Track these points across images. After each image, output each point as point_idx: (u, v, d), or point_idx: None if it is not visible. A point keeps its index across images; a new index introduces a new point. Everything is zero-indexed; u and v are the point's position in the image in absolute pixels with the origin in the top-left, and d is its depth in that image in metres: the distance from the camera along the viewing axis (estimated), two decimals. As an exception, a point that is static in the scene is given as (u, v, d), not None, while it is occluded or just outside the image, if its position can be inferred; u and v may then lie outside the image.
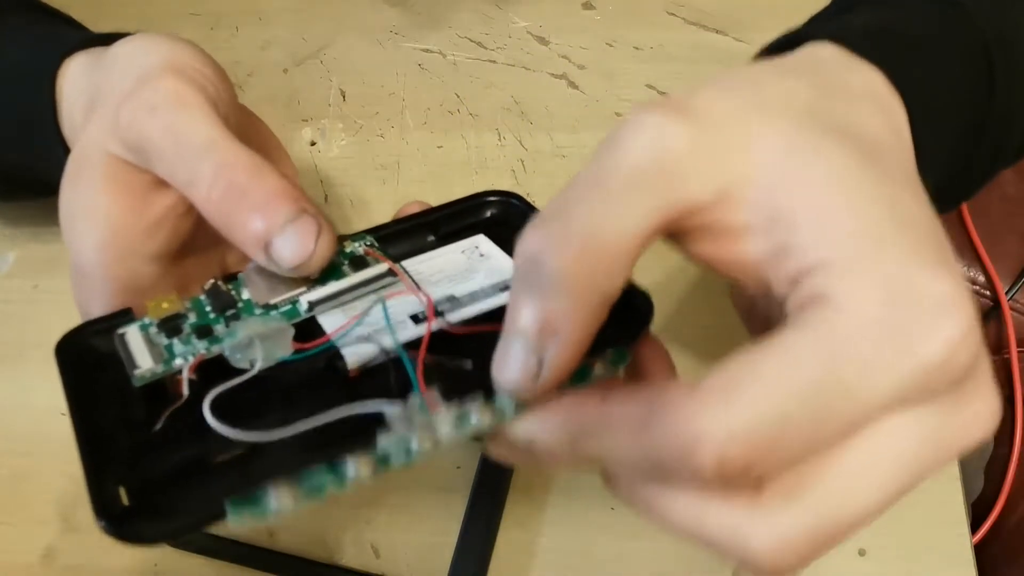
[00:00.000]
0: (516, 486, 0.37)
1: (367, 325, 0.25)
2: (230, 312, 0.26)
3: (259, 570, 0.35)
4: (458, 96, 0.48)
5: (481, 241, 0.30)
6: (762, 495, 0.20)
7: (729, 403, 0.18)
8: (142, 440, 0.24)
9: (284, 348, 0.24)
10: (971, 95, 0.29)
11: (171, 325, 0.26)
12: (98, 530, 0.21)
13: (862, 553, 0.34)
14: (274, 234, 0.25)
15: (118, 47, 0.33)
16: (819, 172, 0.21)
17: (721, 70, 0.24)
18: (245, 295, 0.27)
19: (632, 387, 0.21)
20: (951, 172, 0.29)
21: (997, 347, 0.60)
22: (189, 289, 0.29)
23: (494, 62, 0.49)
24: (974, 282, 0.61)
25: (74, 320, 0.27)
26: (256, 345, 0.24)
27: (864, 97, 0.24)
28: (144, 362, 0.25)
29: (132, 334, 0.26)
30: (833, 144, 0.21)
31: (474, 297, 0.27)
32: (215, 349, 0.25)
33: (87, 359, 0.26)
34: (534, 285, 0.20)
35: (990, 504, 0.53)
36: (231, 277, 0.27)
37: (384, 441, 0.21)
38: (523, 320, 0.21)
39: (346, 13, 0.51)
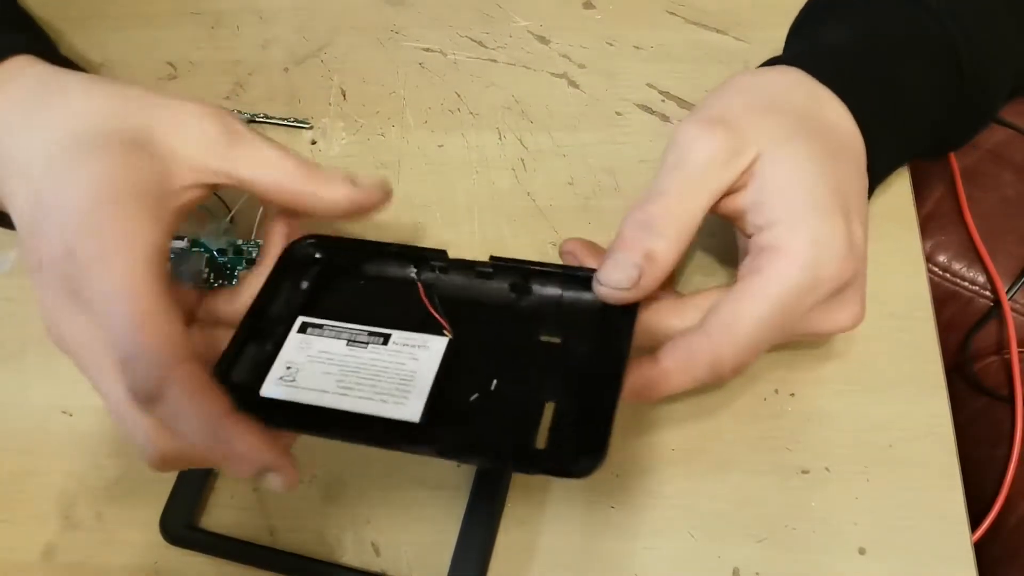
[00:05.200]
0: (516, 485, 0.37)
1: None
2: None
3: (259, 568, 0.36)
4: (459, 95, 0.48)
5: None
6: None
7: (732, 337, 0.31)
8: None
9: None
10: (939, 91, 0.36)
11: None
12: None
13: (862, 552, 0.34)
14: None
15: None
16: (793, 158, 0.32)
17: (723, 70, 0.33)
18: None
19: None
20: (932, 144, 0.39)
21: (997, 347, 0.59)
22: None
23: (495, 61, 0.49)
24: (974, 282, 0.61)
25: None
26: None
27: (832, 105, 0.34)
28: None
29: None
30: (809, 139, 0.32)
31: None
32: None
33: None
34: (646, 232, 0.31)
35: (990, 504, 0.53)
36: None
37: None
38: (633, 248, 0.31)
39: (347, 12, 0.51)
